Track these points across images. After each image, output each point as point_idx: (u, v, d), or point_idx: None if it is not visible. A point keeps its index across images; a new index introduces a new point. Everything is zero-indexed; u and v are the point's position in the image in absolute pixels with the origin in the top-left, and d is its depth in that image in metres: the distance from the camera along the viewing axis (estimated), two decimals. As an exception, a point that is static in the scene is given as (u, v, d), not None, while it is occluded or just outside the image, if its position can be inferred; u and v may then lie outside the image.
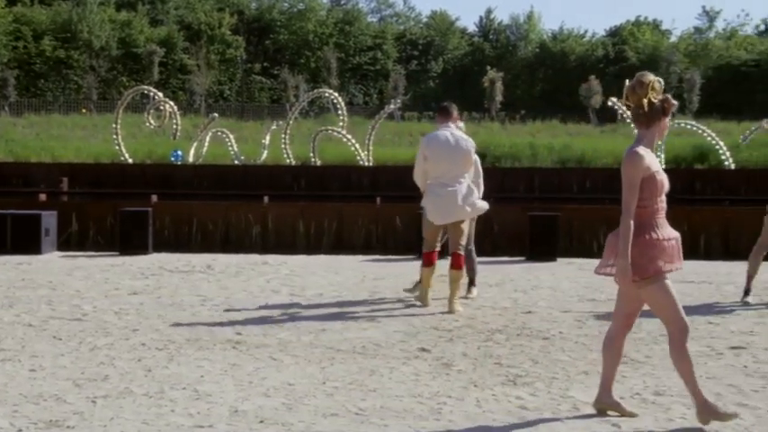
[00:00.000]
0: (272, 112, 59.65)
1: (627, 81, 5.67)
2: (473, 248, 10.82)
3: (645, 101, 5.43)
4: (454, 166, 9.74)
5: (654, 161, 5.50)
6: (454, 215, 9.70)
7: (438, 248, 9.97)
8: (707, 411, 5.46)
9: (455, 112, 10.15)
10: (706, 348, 7.81)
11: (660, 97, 5.46)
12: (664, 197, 5.58)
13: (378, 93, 75.32)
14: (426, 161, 9.82)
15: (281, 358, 7.31)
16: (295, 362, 7.19)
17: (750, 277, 10.48)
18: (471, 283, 10.78)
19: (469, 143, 9.89)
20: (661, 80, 5.56)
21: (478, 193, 10.18)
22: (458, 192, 9.66)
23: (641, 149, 5.46)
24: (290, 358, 7.31)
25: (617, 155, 36.64)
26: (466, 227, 9.99)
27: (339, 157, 35.53)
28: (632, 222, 5.39)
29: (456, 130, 9.96)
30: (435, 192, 9.70)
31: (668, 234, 5.52)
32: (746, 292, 10.44)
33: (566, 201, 21.11)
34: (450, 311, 9.51)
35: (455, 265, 9.71)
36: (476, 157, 10.22)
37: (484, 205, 10.11)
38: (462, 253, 9.85)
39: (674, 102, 5.56)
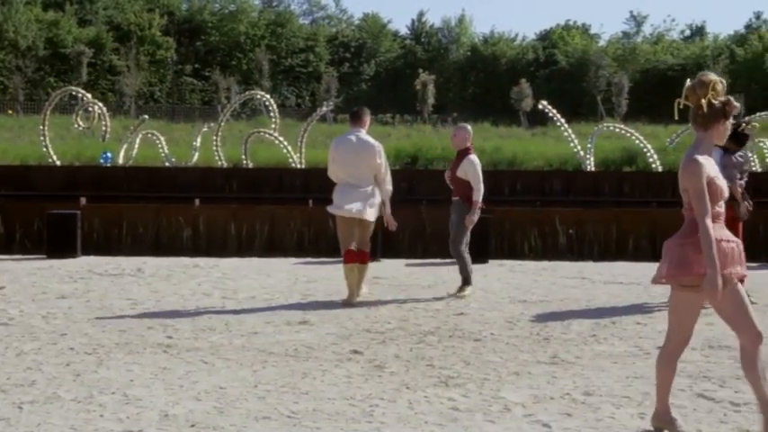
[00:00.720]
0: (204, 114, 59.23)
1: (688, 81, 5.38)
2: (465, 249, 10.95)
3: (704, 101, 5.19)
4: (359, 169, 10.32)
5: (712, 166, 5.26)
6: (355, 212, 10.22)
7: (353, 247, 10.29)
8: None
9: (366, 117, 10.74)
10: (633, 348, 7.92)
11: (722, 99, 5.20)
12: (722, 203, 5.30)
13: (310, 95, 75.18)
14: (334, 163, 10.44)
15: (213, 362, 7.26)
16: (227, 365, 7.14)
17: None
18: (465, 282, 10.89)
19: (376, 146, 10.40)
20: (723, 81, 5.29)
21: (386, 192, 10.56)
22: (361, 193, 10.28)
23: (700, 157, 5.22)
24: (221, 361, 7.26)
25: (548, 157, 37.09)
26: (370, 226, 10.51)
27: (271, 160, 35.40)
28: (711, 231, 5.07)
29: (364, 134, 10.51)
30: (338, 189, 10.40)
31: (726, 236, 5.26)
32: None
33: (497, 203, 21.22)
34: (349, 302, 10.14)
35: (360, 260, 10.28)
36: (384, 159, 10.58)
37: (385, 210, 10.59)
38: (367, 250, 10.44)
39: (736, 104, 5.29)
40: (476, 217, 10.94)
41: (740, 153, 10.45)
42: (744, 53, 72.45)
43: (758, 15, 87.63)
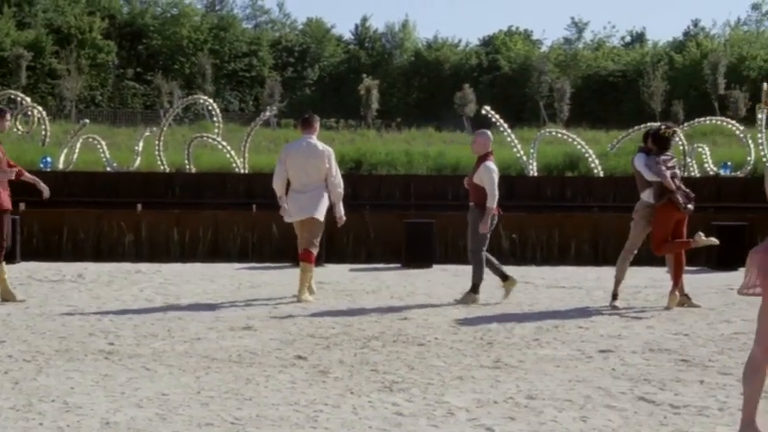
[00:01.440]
0: (146, 119, 58.71)
1: (766, 84, 5.27)
2: (483, 256, 10.99)
3: None
4: (309, 175, 10.80)
5: None
6: (297, 215, 10.84)
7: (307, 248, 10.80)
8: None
9: (316, 124, 11.13)
10: (576, 352, 7.99)
11: None
12: None
13: (253, 99, 74.80)
14: (286, 169, 10.88)
15: (155, 368, 7.19)
16: (169, 372, 7.08)
17: (618, 282, 10.76)
18: (474, 289, 10.92)
19: (326, 151, 10.83)
20: None
21: (337, 195, 10.99)
22: (308, 197, 10.79)
23: None
24: (164, 368, 7.20)
25: (490, 162, 37.28)
26: (317, 228, 10.92)
27: (214, 164, 35.17)
28: None
29: (314, 140, 10.92)
30: (291, 196, 10.87)
31: None
32: (614, 296, 10.71)
33: (441, 208, 21.31)
34: (299, 301, 10.65)
35: (304, 259, 10.77)
36: (334, 162, 10.98)
37: (338, 211, 11.08)
38: (313, 251, 10.85)
39: None
40: (489, 223, 10.85)
41: (664, 155, 10.60)
42: (682, 60, 73.47)
43: (696, 23, 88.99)
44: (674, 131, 10.81)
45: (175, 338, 8.41)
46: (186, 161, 31.95)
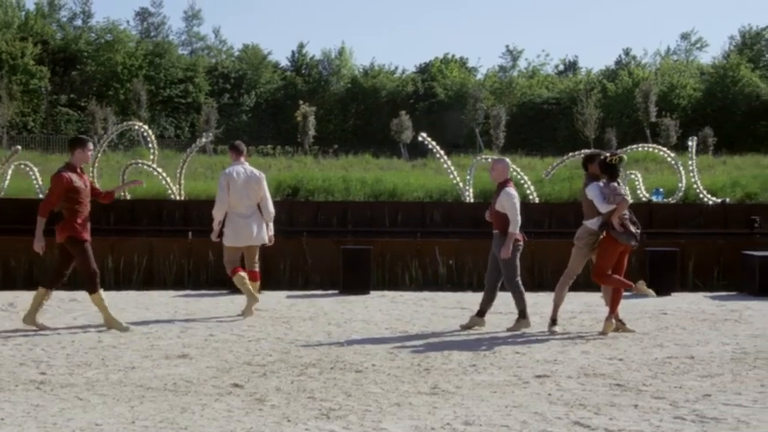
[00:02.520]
0: (80, 145, 57.91)
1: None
2: (519, 281, 11.03)
3: None
4: (248, 198, 11.61)
5: None
6: (250, 240, 11.67)
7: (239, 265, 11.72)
8: None
9: (245, 150, 12.06)
10: (512, 377, 8.03)
11: None
12: None
13: (189, 126, 74.27)
14: (230, 194, 11.57)
15: (89, 398, 7.08)
16: (103, 401, 6.97)
17: (556, 307, 10.85)
18: (521, 315, 10.95)
19: (261, 176, 11.79)
20: None
21: (270, 215, 11.81)
22: (252, 221, 11.62)
23: None
24: (97, 398, 7.09)
25: (428, 188, 37.42)
26: (258, 250, 11.91)
27: (150, 191, 34.83)
28: None
29: (247, 165, 11.80)
30: (234, 221, 11.58)
31: None
32: (553, 321, 10.80)
33: (378, 234, 21.37)
34: (245, 316, 11.52)
35: (254, 278, 11.84)
36: (265, 185, 11.83)
37: (269, 231, 11.89)
38: (257, 269, 11.93)
39: None
40: (511, 248, 10.84)
41: (613, 183, 10.74)
42: (615, 88, 74.54)
43: (627, 52, 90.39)
44: (621, 158, 10.96)
45: (109, 367, 8.30)
46: (121, 188, 31.57)
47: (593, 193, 10.73)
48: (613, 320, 10.70)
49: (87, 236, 10.64)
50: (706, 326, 11.30)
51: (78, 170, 10.72)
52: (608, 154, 11.09)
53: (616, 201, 10.54)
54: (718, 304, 13.44)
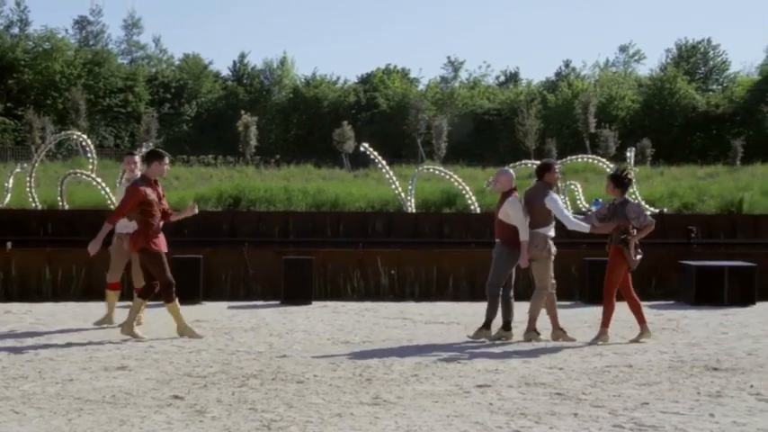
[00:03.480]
0: (17, 155, 57.05)
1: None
2: (499, 292, 11.09)
3: None
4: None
5: None
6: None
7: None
8: None
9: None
10: (454, 387, 8.05)
11: None
12: None
13: (129, 135, 73.57)
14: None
15: (24, 411, 6.97)
16: (39, 414, 6.87)
17: (534, 319, 11.00)
18: (486, 325, 10.99)
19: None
20: None
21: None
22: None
23: None
24: (33, 411, 6.98)
25: (370, 199, 37.45)
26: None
27: (89, 201, 34.41)
28: None
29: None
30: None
31: None
32: (535, 331, 10.91)
33: (320, 244, 21.34)
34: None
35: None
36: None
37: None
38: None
39: None
40: (509, 259, 10.95)
41: (620, 200, 10.88)
42: (555, 99, 75.35)
43: (567, 63, 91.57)
44: (635, 171, 11.15)
45: (46, 380, 8.18)
46: (59, 198, 31.22)
47: (555, 205, 10.83)
48: (647, 326, 10.92)
49: (162, 247, 10.79)
50: (644, 334, 11.43)
51: (153, 182, 10.85)
52: (623, 168, 11.19)
53: (644, 222, 10.65)
54: (655, 313, 13.61)
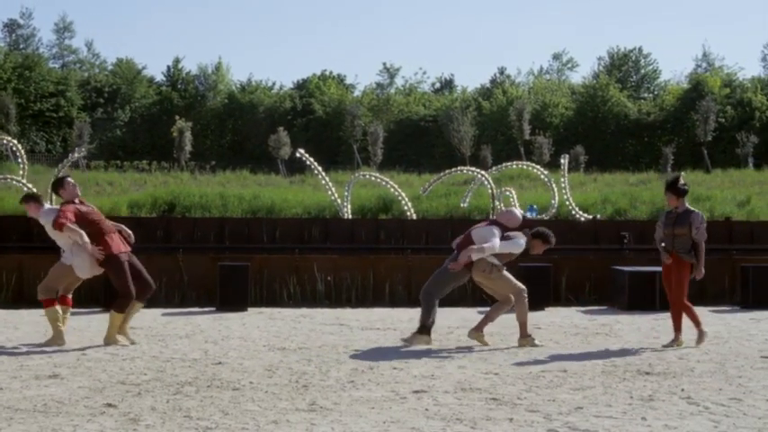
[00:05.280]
0: (-55, 159, 56.12)
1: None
2: (437, 301, 11.15)
3: None
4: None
5: None
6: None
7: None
8: None
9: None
10: (390, 393, 8.06)
11: None
12: None
13: (61, 140, 72.63)
14: None
15: (-47, 421, 6.83)
16: (-31, 425, 6.74)
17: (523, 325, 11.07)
18: (422, 330, 11.04)
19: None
20: None
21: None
22: None
23: None
24: (-37, 421, 6.84)
25: (306, 205, 37.40)
26: None
27: (20, 208, 33.90)
28: None
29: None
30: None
31: None
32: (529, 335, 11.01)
33: (256, 250, 21.23)
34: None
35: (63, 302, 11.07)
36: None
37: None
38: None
39: None
40: (449, 269, 10.94)
41: (682, 209, 11.01)
42: (490, 106, 75.92)
43: (502, 71, 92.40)
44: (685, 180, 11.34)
45: (-24, 389, 8.02)
46: (-11, 204, 30.71)
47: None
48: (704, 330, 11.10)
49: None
50: (578, 340, 11.56)
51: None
52: (676, 177, 11.27)
53: (703, 234, 10.84)
54: (589, 318, 13.77)
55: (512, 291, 11.01)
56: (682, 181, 11.14)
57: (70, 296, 11.29)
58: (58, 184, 11.29)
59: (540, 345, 11.01)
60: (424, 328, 11.08)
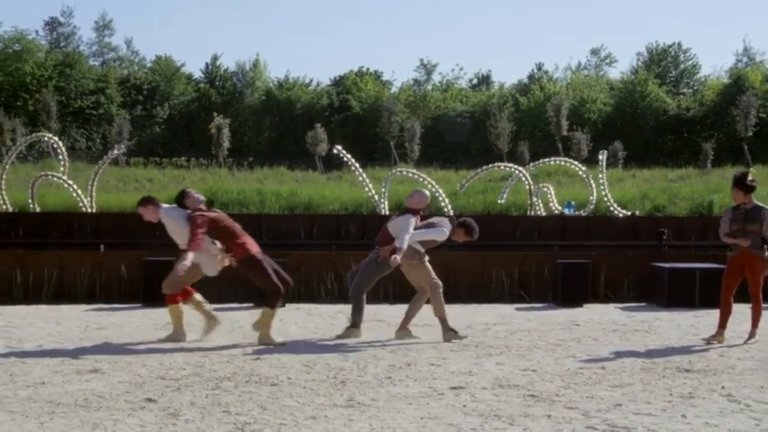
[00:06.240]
0: (-13, 157, 56.75)
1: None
2: (364, 297, 11.32)
3: None
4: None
5: None
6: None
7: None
8: None
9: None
10: (428, 389, 8.06)
11: None
12: None
13: (101, 137, 73.20)
14: None
15: (-4, 415, 6.92)
16: (11, 418, 6.82)
17: (409, 317, 11.19)
18: (354, 324, 11.19)
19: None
20: None
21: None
22: None
23: None
24: (5, 414, 6.93)
25: (343, 201, 37.49)
26: None
27: (60, 204, 34.27)
28: None
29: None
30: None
31: None
32: (453, 330, 10.99)
33: (293, 247, 21.28)
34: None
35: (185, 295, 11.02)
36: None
37: None
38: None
39: None
40: (387, 255, 10.96)
41: (751, 205, 11.04)
42: (527, 102, 75.59)
43: (540, 66, 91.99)
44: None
45: (18, 383, 8.12)
46: (30, 200, 31.05)
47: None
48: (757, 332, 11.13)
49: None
50: (617, 337, 11.50)
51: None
52: (745, 173, 11.29)
53: None
54: (628, 315, 13.68)
55: (428, 283, 11.08)
56: (750, 177, 11.08)
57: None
58: (183, 196, 11.22)
59: (465, 336, 10.99)
60: (356, 324, 11.21)
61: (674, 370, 9.12)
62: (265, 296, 10.90)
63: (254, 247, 10.88)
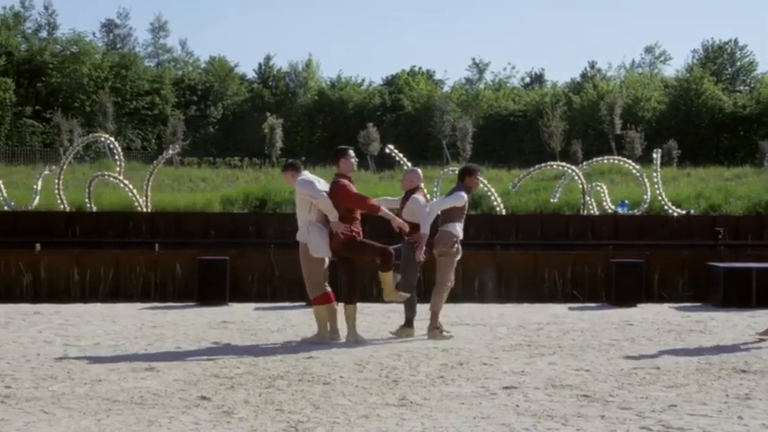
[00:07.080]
0: (45, 157, 57.52)
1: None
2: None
3: None
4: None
5: None
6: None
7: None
8: None
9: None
10: (480, 389, 8.05)
11: None
12: None
13: (156, 138, 73.94)
14: (324, 200, 11.03)
15: (54, 411, 7.02)
16: (69, 414, 6.92)
17: (435, 315, 11.12)
18: (408, 323, 11.29)
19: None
20: None
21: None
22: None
23: None
24: (63, 411, 7.04)
25: (395, 201, 37.48)
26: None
27: (116, 204, 34.66)
28: None
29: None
30: (323, 231, 10.95)
31: None
32: (438, 329, 11.05)
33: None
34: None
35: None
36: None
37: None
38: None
39: None
40: (422, 252, 11.11)
41: None
42: (580, 100, 75.02)
43: (593, 65, 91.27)
44: None
45: (75, 380, 8.24)
46: (87, 200, 31.45)
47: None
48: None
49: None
50: (671, 337, 11.39)
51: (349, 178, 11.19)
52: None
53: None
54: (683, 315, 13.55)
55: (443, 276, 11.12)
56: None
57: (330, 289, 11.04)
58: (341, 154, 11.27)
59: (450, 336, 10.93)
60: (410, 323, 11.24)
61: (729, 371, 9.01)
62: (381, 262, 10.89)
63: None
